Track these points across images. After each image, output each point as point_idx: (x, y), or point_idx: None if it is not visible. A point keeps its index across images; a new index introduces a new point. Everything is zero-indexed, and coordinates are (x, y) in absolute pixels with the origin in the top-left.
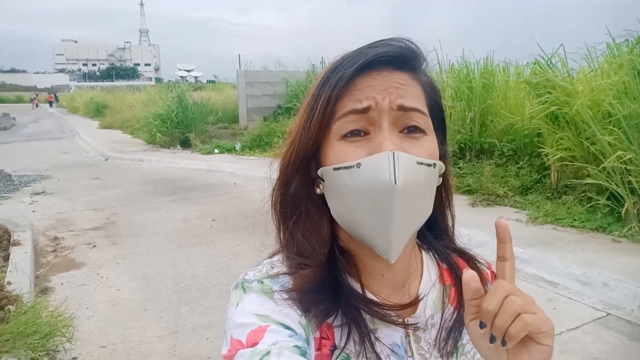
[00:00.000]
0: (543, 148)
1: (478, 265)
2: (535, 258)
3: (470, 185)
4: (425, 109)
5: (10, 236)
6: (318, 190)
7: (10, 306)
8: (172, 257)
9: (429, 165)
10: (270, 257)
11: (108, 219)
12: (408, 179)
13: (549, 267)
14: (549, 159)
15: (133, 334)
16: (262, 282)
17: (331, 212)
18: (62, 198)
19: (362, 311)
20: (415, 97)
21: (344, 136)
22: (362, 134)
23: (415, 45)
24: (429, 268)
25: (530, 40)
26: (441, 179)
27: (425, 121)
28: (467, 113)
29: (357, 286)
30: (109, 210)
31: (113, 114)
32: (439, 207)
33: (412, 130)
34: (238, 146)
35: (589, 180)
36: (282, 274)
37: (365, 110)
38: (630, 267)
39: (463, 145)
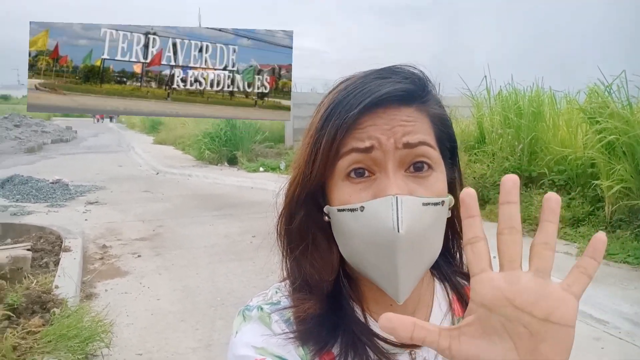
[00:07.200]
0: (597, 180)
1: None
2: (584, 294)
3: None
4: (432, 141)
5: (62, 242)
6: (327, 218)
7: (55, 309)
8: (212, 271)
9: (436, 204)
10: (281, 280)
11: (154, 230)
12: (413, 225)
13: (598, 304)
14: (602, 191)
15: (169, 344)
16: (261, 308)
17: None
18: (114, 209)
19: (364, 343)
20: (422, 132)
21: (348, 175)
22: (366, 173)
23: (422, 73)
24: (439, 298)
25: (573, 68)
26: (450, 212)
27: (432, 154)
28: (516, 143)
29: (361, 314)
30: (156, 222)
31: (167, 131)
32: (450, 238)
33: (419, 168)
34: (282, 165)
35: None
36: (284, 302)
37: (367, 150)
38: None
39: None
